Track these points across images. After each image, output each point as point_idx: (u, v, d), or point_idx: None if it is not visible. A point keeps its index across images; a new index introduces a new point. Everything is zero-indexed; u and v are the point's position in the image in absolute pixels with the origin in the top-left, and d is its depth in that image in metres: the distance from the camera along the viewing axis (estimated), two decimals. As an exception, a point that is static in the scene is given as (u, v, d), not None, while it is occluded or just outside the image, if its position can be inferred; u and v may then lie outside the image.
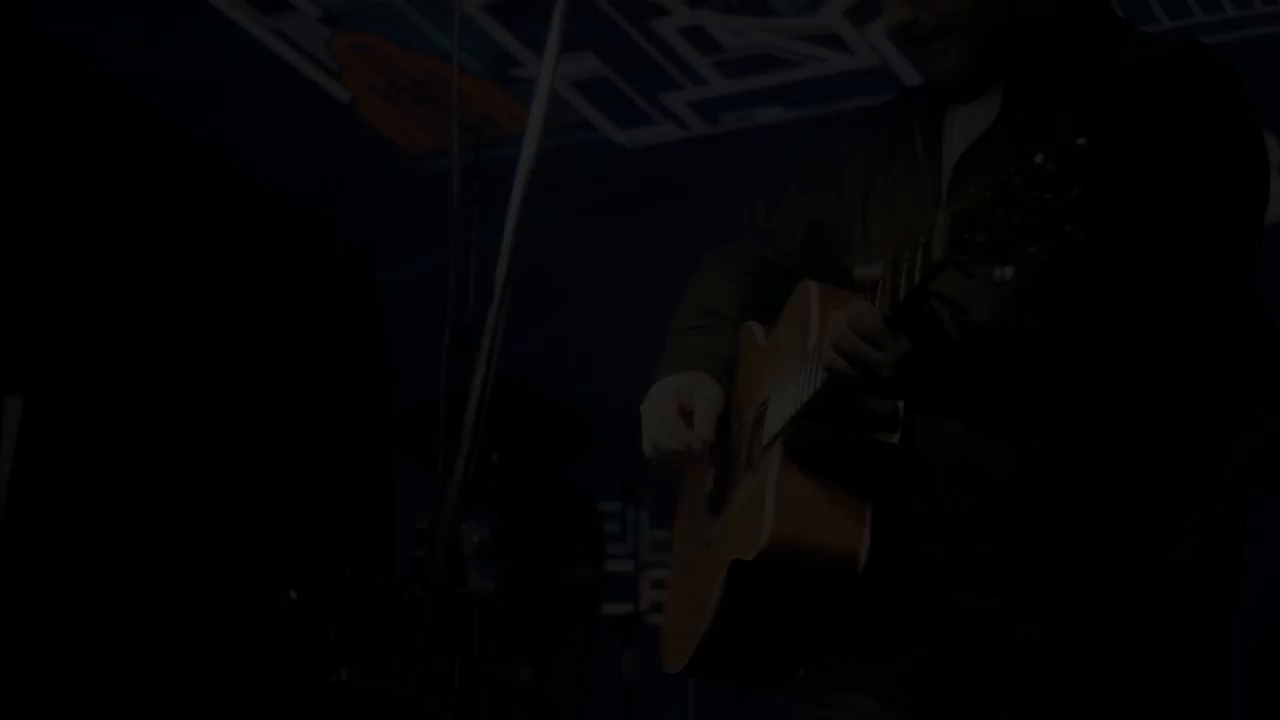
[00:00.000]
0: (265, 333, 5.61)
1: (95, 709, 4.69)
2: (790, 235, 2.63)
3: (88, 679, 4.90)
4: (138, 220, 6.57)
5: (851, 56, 5.74)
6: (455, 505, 1.64)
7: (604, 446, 5.65)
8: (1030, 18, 2.27)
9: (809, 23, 5.58)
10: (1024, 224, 1.65)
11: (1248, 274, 2.22)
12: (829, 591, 2.20)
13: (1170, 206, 2.05)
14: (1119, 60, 2.19)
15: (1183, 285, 2.07)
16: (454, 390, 2.68)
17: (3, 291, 5.94)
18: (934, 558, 2.20)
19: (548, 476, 6.14)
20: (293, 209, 6.91)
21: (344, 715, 5.09)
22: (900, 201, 2.38)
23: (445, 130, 6.56)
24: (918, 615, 2.25)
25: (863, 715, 2.29)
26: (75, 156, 6.18)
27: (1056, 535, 2.16)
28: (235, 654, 5.32)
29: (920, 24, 2.28)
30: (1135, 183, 1.94)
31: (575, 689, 5.52)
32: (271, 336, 5.60)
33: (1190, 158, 2.07)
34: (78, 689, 4.70)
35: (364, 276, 7.30)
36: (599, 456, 5.76)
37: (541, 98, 1.95)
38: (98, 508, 6.28)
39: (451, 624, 1.64)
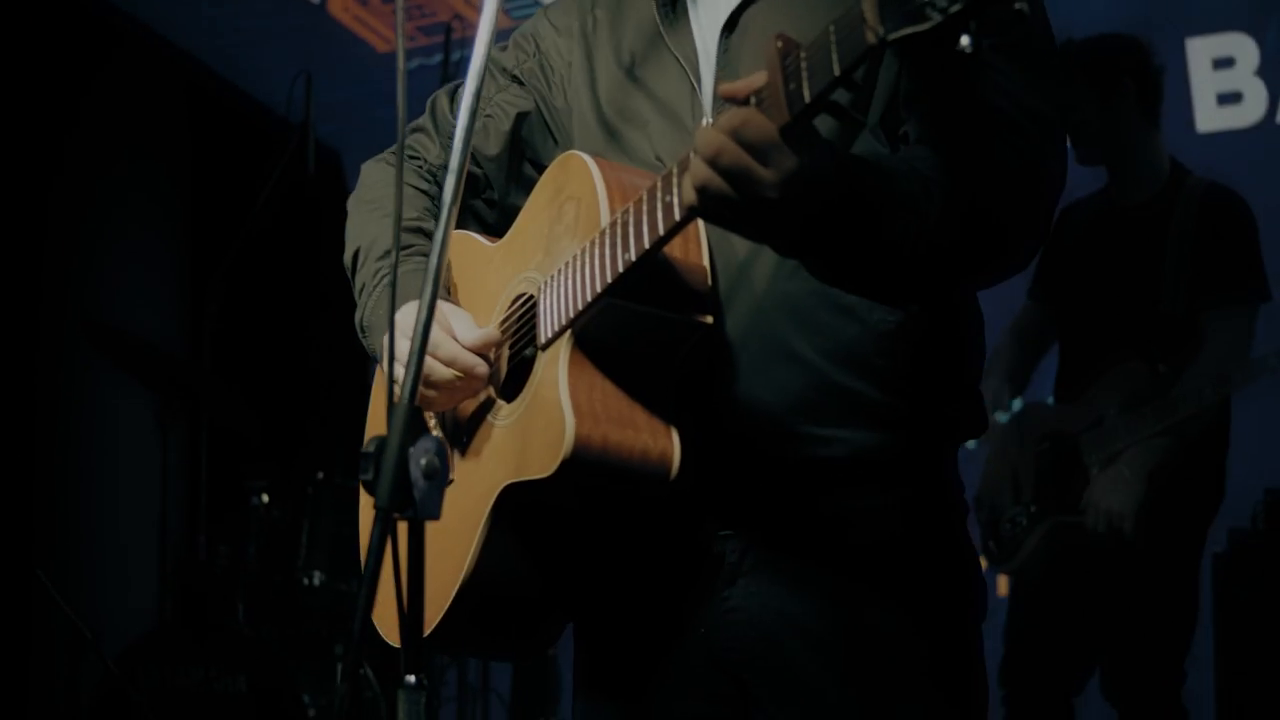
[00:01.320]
0: (238, 232, 5.54)
1: (70, 610, 4.68)
2: (493, 135, 2.31)
3: (62, 580, 4.90)
4: (111, 119, 6.51)
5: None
6: (402, 428, 1.61)
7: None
8: None
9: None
10: None
11: None
12: (631, 503, 1.97)
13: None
14: None
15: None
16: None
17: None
18: (745, 456, 1.99)
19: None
20: (263, 107, 6.83)
21: (316, 617, 5.12)
22: (650, 79, 2.14)
23: (416, 29, 6.48)
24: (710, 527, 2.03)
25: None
26: (50, 59, 6.11)
27: (868, 422, 1.99)
28: (209, 557, 5.31)
29: None
30: None
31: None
32: (244, 236, 5.53)
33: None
34: (51, 590, 4.70)
35: (336, 176, 7.23)
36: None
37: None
38: (66, 408, 6.27)
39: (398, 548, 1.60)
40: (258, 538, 5.28)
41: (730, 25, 2.07)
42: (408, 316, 2.06)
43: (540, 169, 2.28)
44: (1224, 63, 6.00)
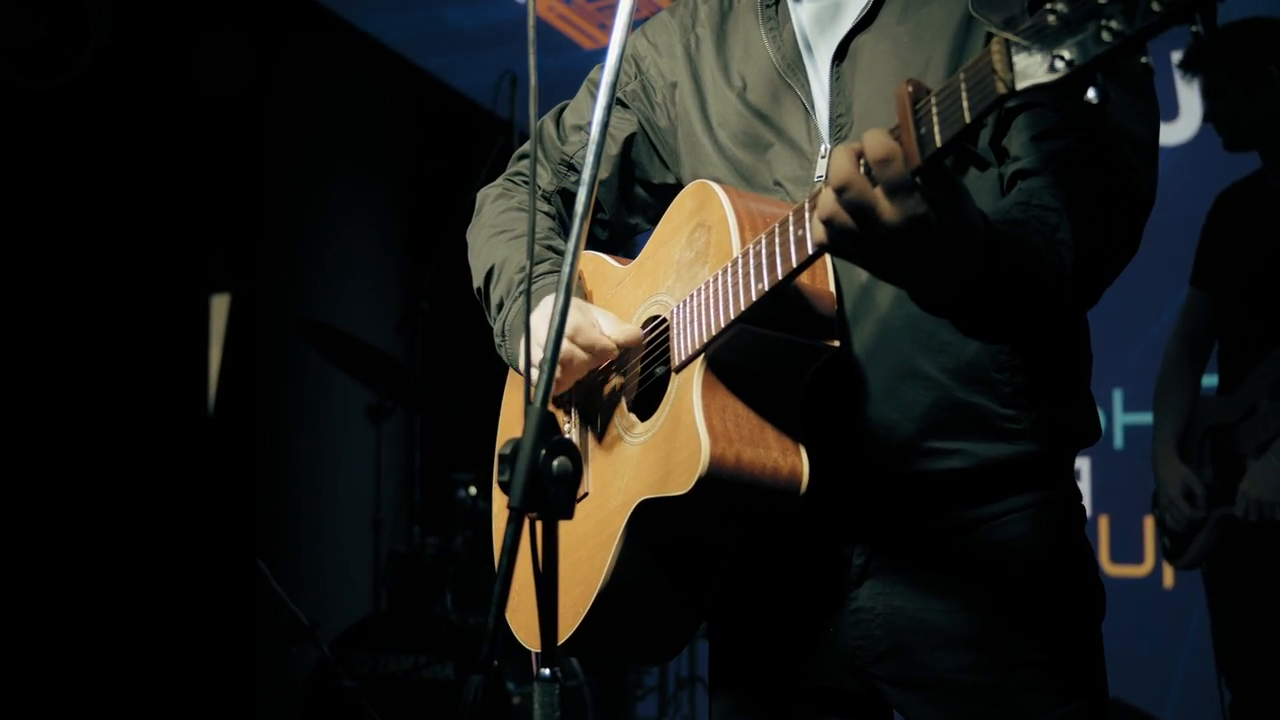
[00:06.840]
0: (448, 230, 5.70)
1: (288, 598, 4.87)
2: (603, 160, 2.35)
3: (281, 570, 5.09)
4: (329, 122, 6.73)
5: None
6: (536, 431, 1.65)
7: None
8: None
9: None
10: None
11: None
12: (765, 516, 2.02)
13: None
14: None
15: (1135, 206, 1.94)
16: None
17: (217, 204, 6.16)
18: (873, 470, 2.04)
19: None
20: (473, 105, 6.98)
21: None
22: (765, 105, 2.17)
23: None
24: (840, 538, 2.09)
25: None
26: (270, 62, 6.35)
27: (993, 437, 2.04)
28: (419, 548, 5.46)
29: None
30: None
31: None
32: (455, 234, 5.68)
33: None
34: (270, 579, 4.89)
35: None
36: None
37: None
38: (285, 405, 6.51)
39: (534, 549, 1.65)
40: (465, 529, 5.42)
41: (840, 53, 2.11)
42: (543, 323, 2.14)
43: (649, 188, 2.38)
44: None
